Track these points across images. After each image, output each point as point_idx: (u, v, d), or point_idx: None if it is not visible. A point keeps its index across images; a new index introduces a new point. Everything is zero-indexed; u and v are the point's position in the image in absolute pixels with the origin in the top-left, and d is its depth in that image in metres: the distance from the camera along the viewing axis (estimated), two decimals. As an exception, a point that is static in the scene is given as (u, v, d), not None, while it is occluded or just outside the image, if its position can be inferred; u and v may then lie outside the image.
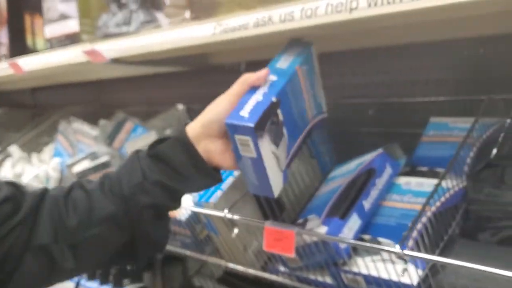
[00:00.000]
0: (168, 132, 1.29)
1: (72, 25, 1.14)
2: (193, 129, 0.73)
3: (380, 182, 0.84)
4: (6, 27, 1.43)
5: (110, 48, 1.02)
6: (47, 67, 1.17)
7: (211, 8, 0.90)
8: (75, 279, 1.26)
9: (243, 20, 0.79)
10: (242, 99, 0.71)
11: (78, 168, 1.09)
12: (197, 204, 0.92)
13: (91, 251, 0.72)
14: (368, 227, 0.81)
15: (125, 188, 0.70)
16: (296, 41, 0.80)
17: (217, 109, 0.73)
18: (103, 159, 1.08)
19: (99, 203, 0.70)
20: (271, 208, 0.91)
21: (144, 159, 0.72)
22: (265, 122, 0.70)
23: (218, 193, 0.90)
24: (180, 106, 1.30)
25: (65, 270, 0.71)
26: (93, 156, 1.11)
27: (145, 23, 1.04)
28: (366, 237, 0.79)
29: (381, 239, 0.78)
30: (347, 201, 0.80)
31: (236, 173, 0.93)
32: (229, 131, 0.70)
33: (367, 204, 0.81)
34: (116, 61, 1.04)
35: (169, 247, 1.09)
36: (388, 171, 0.85)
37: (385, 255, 0.73)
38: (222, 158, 0.73)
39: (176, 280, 1.45)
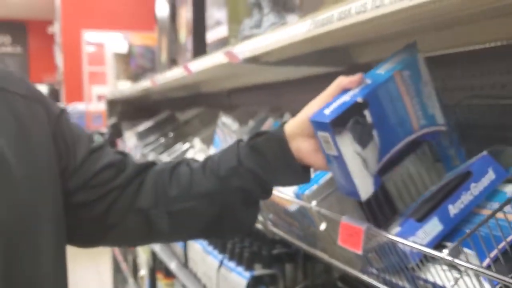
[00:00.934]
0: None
1: (223, 31, 1.30)
2: (289, 126, 0.79)
3: (477, 187, 0.74)
4: (192, 35, 1.68)
5: (243, 50, 1.13)
6: (205, 69, 1.35)
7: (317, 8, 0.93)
8: (219, 257, 1.41)
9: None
10: (332, 100, 0.74)
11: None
12: (296, 195, 0.96)
13: (184, 221, 0.84)
14: (454, 235, 0.73)
15: (222, 169, 0.80)
16: (403, 49, 0.79)
17: (311, 109, 0.77)
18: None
19: (199, 180, 0.81)
20: (381, 210, 0.89)
21: (243, 147, 0.81)
22: (346, 120, 0.72)
23: (314, 186, 0.92)
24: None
25: (159, 234, 0.84)
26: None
27: (274, 25, 1.12)
28: (448, 244, 0.72)
29: (465, 250, 0.70)
30: (429, 203, 0.74)
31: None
32: (314, 128, 0.74)
33: (454, 209, 0.73)
34: (248, 61, 1.15)
35: (286, 236, 1.14)
36: (490, 176, 0.75)
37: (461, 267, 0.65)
38: (314, 158, 0.77)
39: (318, 276, 1.48)
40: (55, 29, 7.76)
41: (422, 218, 0.73)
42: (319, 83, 1.56)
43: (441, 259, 0.60)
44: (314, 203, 0.88)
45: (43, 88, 10.84)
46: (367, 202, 0.87)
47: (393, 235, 0.72)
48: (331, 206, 0.88)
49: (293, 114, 1.56)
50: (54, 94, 9.74)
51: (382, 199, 0.88)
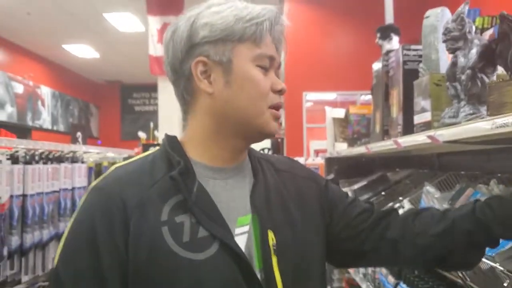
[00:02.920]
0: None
1: (427, 116, 1.60)
2: None
3: None
4: (402, 113, 2.00)
5: (442, 134, 1.42)
6: (411, 145, 1.66)
7: (501, 107, 1.18)
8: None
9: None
10: None
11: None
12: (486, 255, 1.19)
13: (424, 252, 1.09)
14: None
15: (457, 215, 1.05)
16: None
17: None
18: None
19: (437, 222, 1.08)
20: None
21: (479, 203, 1.05)
22: None
23: (501, 249, 1.15)
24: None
25: (402, 260, 1.15)
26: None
27: (469, 115, 1.39)
28: None
29: None
30: None
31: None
32: None
33: None
34: (447, 142, 1.43)
35: None
36: None
37: None
38: None
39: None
40: (280, 90, 8.82)
41: None
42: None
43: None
44: (498, 263, 1.11)
45: (267, 142, 12.21)
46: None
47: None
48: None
49: (501, 179, 1.74)
50: (277, 147, 10.89)
51: None
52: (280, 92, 1.03)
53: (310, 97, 7.89)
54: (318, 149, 6.48)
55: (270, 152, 11.44)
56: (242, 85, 0.99)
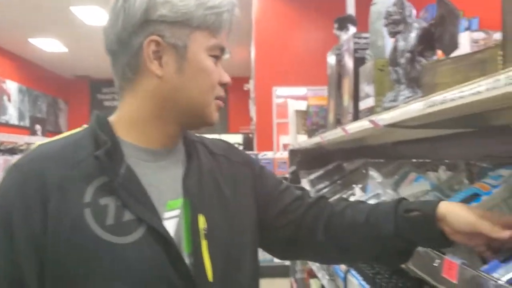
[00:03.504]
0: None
1: (371, 101, 1.60)
2: (447, 213, 0.95)
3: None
4: (352, 102, 2.00)
5: (382, 118, 1.42)
6: (356, 131, 1.66)
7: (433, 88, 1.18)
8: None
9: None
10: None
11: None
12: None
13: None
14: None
15: (381, 230, 1.04)
16: None
17: (476, 215, 0.93)
18: (381, 199, 1.47)
19: (359, 232, 1.08)
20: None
21: (400, 218, 1.02)
22: None
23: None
24: (461, 162, 1.53)
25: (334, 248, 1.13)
26: (377, 196, 1.51)
27: (407, 98, 1.39)
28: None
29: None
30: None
31: None
32: None
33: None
34: (388, 126, 1.43)
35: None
36: None
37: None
38: (456, 237, 0.95)
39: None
40: (250, 85, 8.82)
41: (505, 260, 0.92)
42: (471, 138, 1.73)
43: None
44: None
45: (238, 137, 12.25)
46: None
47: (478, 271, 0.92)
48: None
49: (448, 166, 1.75)
50: (248, 142, 10.91)
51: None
52: (225, 85, 1.02)
53: (281, 92, 7.89)
54: (287, 143, 6.49)
55: (241, 148, 11.52)
56: (195, 74, 0.96)
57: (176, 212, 0.98)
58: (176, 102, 0.97)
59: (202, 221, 0.97)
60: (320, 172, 2.80)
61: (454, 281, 0.97)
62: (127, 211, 0.91)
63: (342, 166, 2.74)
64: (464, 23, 3.26)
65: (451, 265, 0.99)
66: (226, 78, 1.01)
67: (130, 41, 0.95)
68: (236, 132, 12.04)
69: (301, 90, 8.17)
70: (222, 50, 1.00)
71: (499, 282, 0.84)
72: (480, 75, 0.91)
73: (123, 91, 1.00)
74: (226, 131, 12.32)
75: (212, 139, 1.17)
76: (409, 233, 1.01)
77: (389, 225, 1.02)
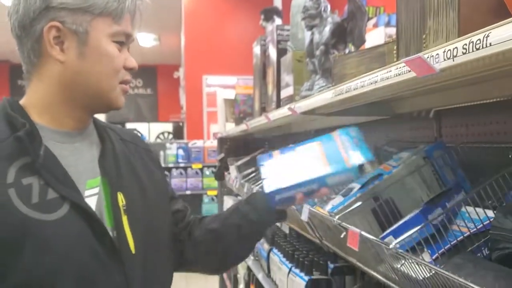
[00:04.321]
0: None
1: (290, 90, 1.71)
2: None
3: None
4: (276, 90, 2.11)
5: (299, 106, 1.54)
6: (277, 118, 1.77)
7: (342, 78, 1.30)
8: (289, 266, 1.79)
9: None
10: None
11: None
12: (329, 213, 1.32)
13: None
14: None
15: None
16: None
17: None
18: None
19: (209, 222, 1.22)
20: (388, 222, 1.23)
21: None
22: None
23: (341, 206, 1.28)
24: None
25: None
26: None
27: (322, 87, 1.51)
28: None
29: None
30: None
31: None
32: None
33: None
34: (304, 113, 1.54)
35: (336, 250, 1.49)
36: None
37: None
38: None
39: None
40: (180, 73, 8.77)
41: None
42: (378, 125, 1.88)
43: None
44: (337, 217, 1.23)
45: (168, 126, 12.16)
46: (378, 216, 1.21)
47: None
48: (353, 223, 1.23)
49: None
50: (178, 131, 10.85)
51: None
52: (132, 70, 1.05)
53: (212, 81, 7.92)
54: (217, 132, 6.56)
55: (170, 137, 11.40)
56: (97, 59, 0.98)
57: (96, 190, 1.03)
58: (80, 87, 0.99)
59: (121, 198, 1.03)
60: (246, 159, 2.90)
61: (356, 248, 1.10)
62: (50, 189, 0.95)
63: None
64: (384, 18, 3.46)
65: (354, 235, 1.12)
66: (132, 63, 1.03)
67: (31, 27, 0.97)
68: (166, 120, 11.93)
69: (232, 79, 8.24)
70: (127, 36, 1.03)
71: (390, 247, 0.97)
72: (380, 67, 1.03)
73: (30, 75, 1.02)
74: (156, 119, 12.16)
75: (120, 127, 1.23)
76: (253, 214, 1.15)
77: (238, 212, 1.17)
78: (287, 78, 1.74)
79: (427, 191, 1.29)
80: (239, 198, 3.13)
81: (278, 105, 2.01)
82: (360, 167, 1.07)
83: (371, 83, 1.00)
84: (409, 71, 0.80)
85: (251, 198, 1.19)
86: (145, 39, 9.81)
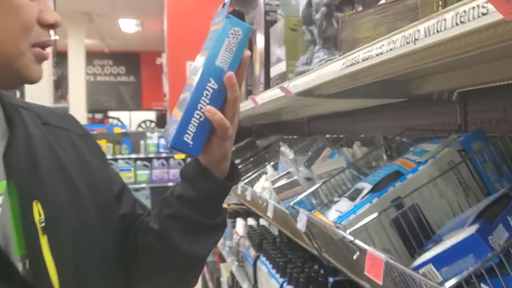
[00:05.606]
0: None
1: (282, 66, 1.38)
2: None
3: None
4: (263, 69, 1.79)
5: (295, 84, 1.21)
6: (267, 101, 1.44)
7: (354, 45, 0.98)
8: (280, 281, 1.47)
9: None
10: None
11: (277, 184, 1.32)
12: (335, 224, 1.00)
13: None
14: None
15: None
16: None
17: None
18: (293, 178, 1.27)
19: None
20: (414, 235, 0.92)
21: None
22: None
23: (352, 216, 0.96)
24: (379, 136, 1.37)
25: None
26: (288, 175, 1.32)
27: (323, 61, 1.19)
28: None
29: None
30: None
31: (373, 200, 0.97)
32: None
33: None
34: (300, 94, 1.22)
35: (335, 263, 1.18)
36: None
37: None
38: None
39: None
40: (163, 59, 8.40)
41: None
42: (390, 111, 1.58)
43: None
44: (348, 232, 0.92)
45: (151, 114, 11.70)
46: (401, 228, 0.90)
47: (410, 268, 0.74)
48: (368, 236, 0.92)
49: (364, 141, 1.60)
50: (162, 119, 10.45)
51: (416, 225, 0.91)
52: (52, 26, 0.73)
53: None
54: (201, 120, 6.25)
55: (153, 125, 10.97)
56: None
57: None
58: None
59: (37, 210, 0.71)
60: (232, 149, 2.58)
61: (379, 282, 0.78)
62: None
63: (254, 143, 2.53)
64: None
65: (375, 260, 0.80)
66: (50, 16, 0.73)
67: None
68: (149, 108, 11.54)
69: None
70: None
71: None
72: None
73: None
74: (139, 107, 11.77)
75: (45, 106, 0.88)
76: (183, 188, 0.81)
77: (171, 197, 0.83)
78: (278, 51, 1.41)
79: (464, 195, 0.98)
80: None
81: (268, 86, 1.68)
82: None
83: (407, 44, 0.68)
84: (494, 11, 0.48)
85: (181, 175, 0.84)
86: (127, 25, 9.43)
